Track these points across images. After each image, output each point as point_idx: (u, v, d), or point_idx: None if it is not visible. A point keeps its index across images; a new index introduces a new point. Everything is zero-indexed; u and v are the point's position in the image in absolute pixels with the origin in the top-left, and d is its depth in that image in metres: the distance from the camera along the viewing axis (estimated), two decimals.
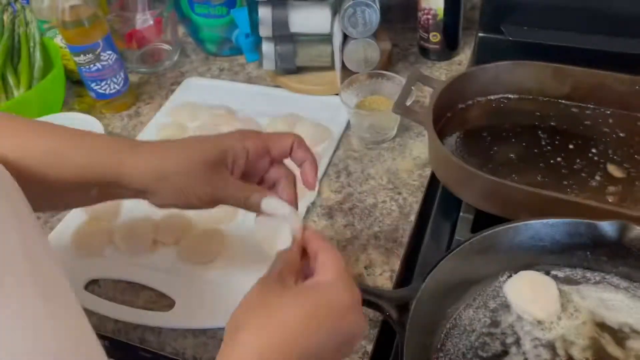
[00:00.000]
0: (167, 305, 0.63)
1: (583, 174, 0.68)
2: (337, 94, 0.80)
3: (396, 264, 0.64)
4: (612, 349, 0.52)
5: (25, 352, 0.31)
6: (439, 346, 0.53)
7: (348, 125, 0.82)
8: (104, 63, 0.85)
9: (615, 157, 0.69)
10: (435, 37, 0.89)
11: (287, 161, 0.55)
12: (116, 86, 0.89)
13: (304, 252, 0.48)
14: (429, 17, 0.87)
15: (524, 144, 0.72)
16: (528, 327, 0.54)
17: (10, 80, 0.89)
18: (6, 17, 0.92)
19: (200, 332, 0.61)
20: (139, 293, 0.65)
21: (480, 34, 0.83)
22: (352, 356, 0.57)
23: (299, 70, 0.90)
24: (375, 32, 0.85)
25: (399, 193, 0.73)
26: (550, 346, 0.52)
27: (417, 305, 0.51)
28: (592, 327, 0.54)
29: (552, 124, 0.74)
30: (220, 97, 0.90)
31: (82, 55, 0.83)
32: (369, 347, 0.57)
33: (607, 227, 0.55)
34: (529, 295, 0.55)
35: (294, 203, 0.52)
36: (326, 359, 0.42)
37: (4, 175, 0.41)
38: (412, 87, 0.74)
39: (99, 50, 0.83)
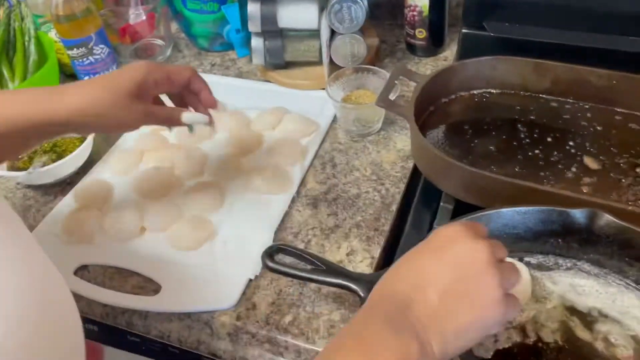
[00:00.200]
0: (154, 290, 0.65)
1: (560, 166, 0.70)
2: (324, 89, 0.82)
3: (377, 252, 0.66)
4: (581, 331, 0.54)
5: None
6: None
7: (335, 119, 0.84)
8: (97, 57, 0.87)
9: (592, 149, 0.71)
10: (421, 33, 0.91)
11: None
12: None
13: None
14: (415, 13, 0.89)
15: (503, 136, 0.74)
16: None
17: (5, 73, 0.91)
18: (2, 12, 0.94)
19: (185, 316, 0.63)
20: (127, 278, 0.67)
21: (464, 31, 0.85)
22: (332, 337, 0.58)
23: (288, 65, 0.92)
24: (362, 28, 0.87)
25: (382, 184, 0.75)
26: (521, 328, 0.54)
27: None
28: (562, 311, 0.55)
29: (532, 117, 0.76)
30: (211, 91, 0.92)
31: (75, 49, 0.85)
32: None
33: (578, 214, 0.56)
34: None
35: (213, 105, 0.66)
36: (439, 274, 0.43)
37: None
38: (396, 82, 0.76)
39: (91, 44, 0.85)
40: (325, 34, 0.84)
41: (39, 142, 0.71)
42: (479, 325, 0.43)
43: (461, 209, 0.67)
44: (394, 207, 0.71)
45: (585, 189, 0.66)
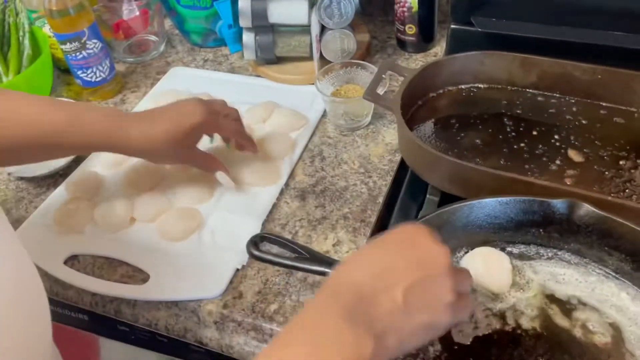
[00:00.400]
0: (142, 279, 0.66)
1: (544, 158, 0.70)
2: (314, 84, 0.83)
3: (362, 242, 0.67)
4: (560, 319, 0.55)
5: None
6: None
7: (324, 113, 0.85)
8: (90, 51, 0.88)
9: (576, 142, 0.72)
10: (410, 29, 0.92)
11: None
12: (102, 74, 0.92)
13: None
14: (404, 9, 0.90)
15: (490, 130, 0.75)
16: (481, 299, 0.57)
17: (0, 67, 0.92)
18: None
19: (172, 304, 0.64)
20: (116, 268, 0.68)
21: (452, 26, 0.86)
22: None
23: (279, 60, 0.93)
24: (352, 24, 0.88)
25: (370, 177, 0.75)
26: (501, 316, 0.55)
27: None
28: (541, 299, 0.56)
29: (519, 111, 0.77)
30: (204, 86, 0.93)
31: (68, 44, 0.86)
32: None
33: (559, 204, 0.57)
34: (483, 269, 0.57)
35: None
36: (405, 269, 0.43)
37: None
38: (384, 76, 0.77)
39: (84, 38, 0.86)
40: (315, 29, 0.85)
41: None
42: (431, 327, 0.43)
43: (446, 201, 0.67)
44: (381, 199, 0.72)
45: (568, 181, 0.67)
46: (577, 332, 0.53)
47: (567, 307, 0.56)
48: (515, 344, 0.53)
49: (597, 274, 0.58)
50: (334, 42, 0.87)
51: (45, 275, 0.67)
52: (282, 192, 0.74)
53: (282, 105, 0.86)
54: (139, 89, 0.97)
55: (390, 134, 0.82)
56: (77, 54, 0.88)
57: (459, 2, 0.83)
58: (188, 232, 0.69)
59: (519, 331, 0.54)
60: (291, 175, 0.77)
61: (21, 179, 0.81)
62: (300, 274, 0.64)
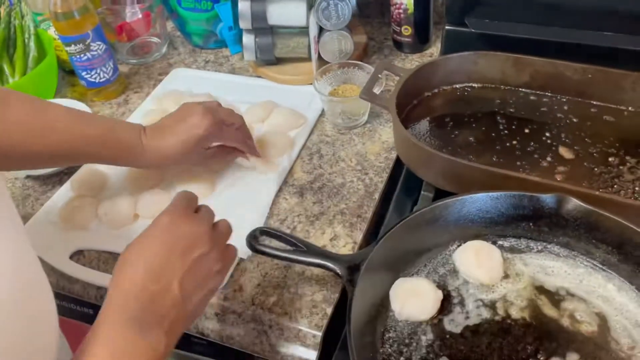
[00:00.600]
0: None
1: (535, 155, 0.72)
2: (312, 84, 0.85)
3: (359, 237, 0.69)
4: (548, 309, 0.57)
5: None
6: (387, 305, 0.58)
7: (322, 112, 0.87)
8: (94, 53, 0.90)
9: (567, 140, 0.74)
10: (406, 30, 0.94)
11: None
12: (106, 75, 0.94)
13: None
14: (400, 11, 0.92)
15: (483, 128, 0.77)
16: (472, 290, 0.59)
17: (6, 68, 0.94)
18: (2, 10, 0.97)
19: None
20: None
21: (447, 27, 0.88)
22: (314, 316, 0.61)
23: (279, 61, 0.95)
24: (350, 26, 0.90)
25: (366, 174, 0.78)
26: (491, 306, 0.57)
27: (368, 266, 0.56)
28: (531, 290, 0.58)
29: (511, 110, 0.79)
30: (205, 87, 0.95)
31: (73, 45, 0.89)
32: (329, 310, 0.62)
33: (548, 199, 0.59)
34: (475, 261, 0.59)
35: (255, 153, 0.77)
36: (176, 265, 0.48)
37: None
38: (380, 75, 0.79)
39: (88, 40, 0.89)
40: (313, 31, 0.87)
41: None
42: (210, 294, 0.51)
43: (440, 197, 0.69)
44: (377, 196, 0.74)
45: (559, 177, 0.69)
46: (565, 322, 0.55)
47: (555, 297, 0.58)
48: (505, 333, 0.55)
49: (584, 266, 0.60)
50: (332, 43, 0.89)
51: (51, 270, 0.69)
52: (280, 189, 0.77)
53: (281, 104, 0.88)
54: (142, 90, 1.00)
55: (386, 132, 0.84)
56: (82, 55, 0.90)
57: (454, 4, 0.85)
58: None
59: (508, 321, 0.56)
60: (290, 173, 0.79)
61: (27, 176, 0.83)
62: (298, 267, 0.66)
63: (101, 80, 0.94)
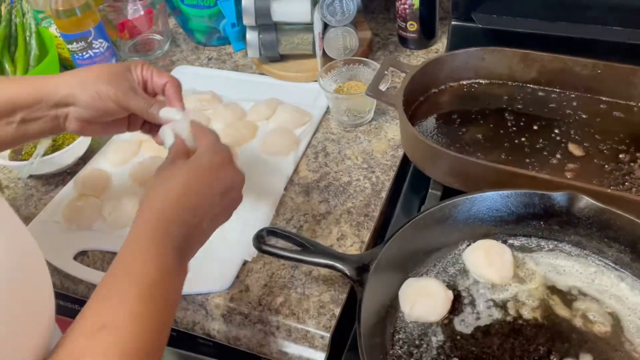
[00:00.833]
0: None
1: (545, 153, 0.71)
2: (317, 81, 0.84)
3: (366, 236, 0.68)
4: (560, 309, 0.56)
5: None
6: (396, 306, 0.57)
7: (327, 110, 0.86)
8: (96, 50, 0.89)
9: (576, 137, 0.73)
10: (412, 26, 0.93)
11: None
12: None
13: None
14: (406, 6, 0.91)
15: (491, 125, 0.76)
16: (483, 290, 0.58)
17: (7, 67, 0.93)
18: (4, 8, 0.96)
19: (181, 298, 0.65)
20: None
21: (453, 23, 0.87)
22: (321, 317, 0.61)
23: (283, 58, 0.94)
24: (355, 22, 0.89)
25: (373, 172, 0.77)
26: (503, 306, 0.56)
27: (377, 267, 0.55)
28: (543, 290, 0.57)
29: (519, 107, 0.78)
30: (208, 84, 0.94)
31: (74, 43, 0.88)
32: (337, 310, 0.61)
33: (559, 197, 0.58)
34: (485, 261, 0.59)
35: (182, 106, 0.63)
36: (213, 205, 0.53)
37: None
38: (386, 72, 0.78)
39: (90, 38, 0.88)
40: (318, 27, 0.86)
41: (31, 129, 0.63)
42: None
43: (448, 195, 0.68)
44: (384, 194, 0.73)
45: (569, 175, 0.68)
46: (578, 322, 0.55)
47: (567, 297, 0.57)
48: (516, 334, 0.54)
49: (597, 265, 0.59)
50: (337, 39, 0.88)
51: (55, 271, 0.69)
52: (286, 188, 0.76)
53: (285, 102, 0.87)
54: None
55: (393, 129, 0.83)
56: (84, 53, 0.89)
57: None
58: None
59: (520, 321, 0.55)
60: (295, 171, 0.78)
61: (30, 176, 0.82)
62: (304, 267, 0.65)
63: None
